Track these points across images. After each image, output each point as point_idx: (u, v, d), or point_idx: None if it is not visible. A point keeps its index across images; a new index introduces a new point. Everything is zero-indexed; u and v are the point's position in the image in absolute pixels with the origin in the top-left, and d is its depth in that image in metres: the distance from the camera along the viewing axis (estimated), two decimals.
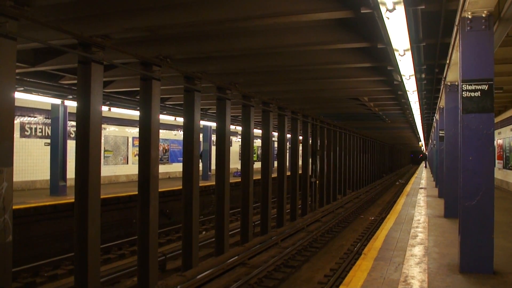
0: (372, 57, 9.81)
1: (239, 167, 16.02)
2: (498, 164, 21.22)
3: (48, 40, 7.57)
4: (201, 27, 8.02)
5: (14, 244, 6.27)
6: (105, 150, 22.10)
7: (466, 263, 6.11)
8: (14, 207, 6.35)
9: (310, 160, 20.14)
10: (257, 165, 15.98)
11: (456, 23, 6.31)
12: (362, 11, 6.27)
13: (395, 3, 5.43)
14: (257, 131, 22.91)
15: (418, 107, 16.13)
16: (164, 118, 18.86)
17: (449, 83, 10.70)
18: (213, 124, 22.27)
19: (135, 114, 16.47)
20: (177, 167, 27.25)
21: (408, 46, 7.54)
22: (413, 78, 10.28)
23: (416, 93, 12.55)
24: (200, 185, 10.98)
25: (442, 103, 13.55)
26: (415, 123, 23.94)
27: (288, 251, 12.08)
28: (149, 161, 8.92)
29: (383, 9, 5.62)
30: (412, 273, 6.25)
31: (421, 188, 21.39)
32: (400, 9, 5.60)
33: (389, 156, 59.61)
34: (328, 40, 8.45)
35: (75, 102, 8.37)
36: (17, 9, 6.11)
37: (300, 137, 19.22)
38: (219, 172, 11.86)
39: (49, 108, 15.97)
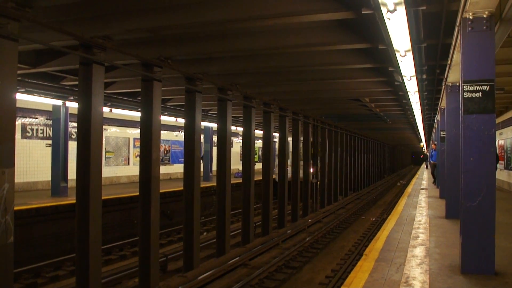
0: (373, 58, 9.81)
1: (240, 168, 15.99)
2: (500, 165, 21.20)
3: (50, 41, 7.58)
4: (202, 28, 8.03)
5: (15, 245, 6.27)
6: (106, 151, 22.12)
7: (467, 264, 6.10)
8: (15, 208, 6.35)
9: (311, 161, 20.13)
10: (258, 165, 15.98)
11: (457, 23, 6.31)
12: (363, 12, 6.27)
13: (396, 4, 5.43)
14: (258, 132, 22.91)
15: (419, 107, 16.12)
16: (165, 119, 18.87)
17: (450, 84, 10.69)
18: (214, 125, 22.30)
19: (136, 115, 16.47)
20: (178, 168, 27.26)
21: (409, 47, 7.54)
22: (414, 79, 10.28)
23: (417, 93, 12.55)
24: (201, 186, 10.98)
25: (443, 103, 13.54)
26: (416, 124, 23.94)
27: (289, 252, 12.07)
28: (150, 162, 8.92)
29: (384, 10, 5.62)
30: (413, 274, 6.24)
31: (422, 189, 21.37)
32: (401, 10, 5.61)
33: (390, 157, 59.57)
34: (329, 41, 8.45)
35: (76, 103, 8.38)
36: (19, 11, 6.11)
37: (301, 138, 19.20)
38: (220, 173, 11.86)
39: (51, 109, 15.99)
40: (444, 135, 13.13)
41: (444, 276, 6.15)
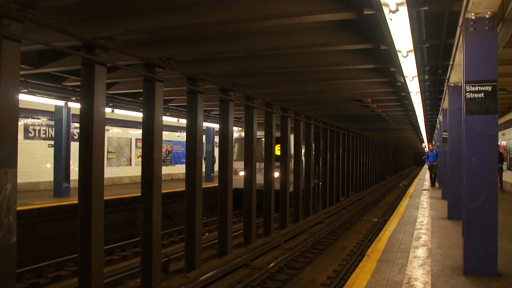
0: (375, 59, 9.80)
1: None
2: (503, 165, 21.14)
3: (52, 42, 7.59)
4: (203, 28, 8.04)
5: (17, 245, 6.28)
6: (108, 152, 22.15)
7: (469, 265, 6.10)
8: (18, 208, 6.36)
9: (313, 161, 20.12)
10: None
11: (460, 24, 6.31)
12: (365, 13, 6.27)
13: (398, 4, 5.43)
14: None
15: (421, 108, 16.11)
16: (167, 119, 18.88)
17: (452, 84, 10.69)
18: (216, 126, 22.31)
19: (138, 115, 16.49)
20: (180, 169, 27.30)
21: (411, 47, 7.54)
22: (416, 79, 10.27)
23: (419, 94, 12.54)
24: (203, 186, 10.98)
25: (445, 104, 13.54)
26: (418, 124, 23.93)
27: (291, 253, 12.07)
28: (152, 163, 8.92)
29: (386, 10, 5.62)
30: (415, 275, 6.24)
31: (424, 189, 21.36)
32: (403, 10, 5.61)
33: (392, 158, 59.53)
34: (331, 41, 8.45)
35: (79, 104, 8.40)
36: (21, 12, 6.13)
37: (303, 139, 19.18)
38: (222, 173, 11.86)
39: (53, 109, 16.02)
40: (446, 136, 13.13)
41: (446, 277, 6.14)
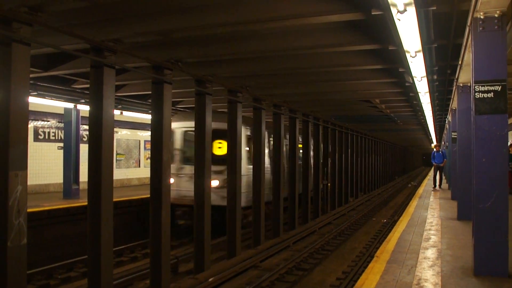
0: (383, 59, 9.78)
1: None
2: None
3: (61, 45, 7.64)
4: (212, 30, 8.05)
5: (28, 246, 6.33)
6: (117, 154, 22.25)
7: (480, 266, 6.06)
8: (28, 210, 6.41)
9: (322, 162, 20.07)
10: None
11: (468, 23, 6.28)
12: (372, 13, 6.26)
13: (406, 5, 5.42)
14: None
15: (430, 108, 16.04)
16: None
17: (461, 84, 10.63)
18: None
19: (147, 117, 16.55)
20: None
21: (419, 47, 7.52)
22: (425, 79, 10.24)
23: (428, 94, 12.49)
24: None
25: (454, 104, 13.47)
26: (427, 124, 23.80)
27: (300, 254, 12.05)
28: (161, 165, 8.95)
29: (394, 10, 5.62)
30: (425, 276, 6.21)
31: (434, 190, 21.26)
32: (411, 10, 5.60)
33: (401, 158, 59.25)
34: (339, 42, 8.44)
35: (88, 106, 8.44)
36: (31, 15, 6.18)
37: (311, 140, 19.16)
38: (231, 175, 11.86)
39: (62, 112, 16.12)
40: (455, 136, 13.05)
41: (456, 278, 6.12)
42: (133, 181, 23.14)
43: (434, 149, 22.61)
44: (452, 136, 14.54)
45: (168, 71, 9.02)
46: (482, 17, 5.86)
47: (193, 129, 10.76)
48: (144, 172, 23.31)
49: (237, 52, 9.31)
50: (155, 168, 9.00)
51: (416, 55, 7.92)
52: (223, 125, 12.32)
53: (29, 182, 6.52)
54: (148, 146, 21.81)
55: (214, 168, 11.49)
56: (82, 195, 15.24)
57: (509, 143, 14.29)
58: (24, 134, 6.25)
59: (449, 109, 16.39)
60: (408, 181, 46.82)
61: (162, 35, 8.09)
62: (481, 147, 6.01)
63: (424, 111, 17.09)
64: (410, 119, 22.93)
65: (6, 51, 6.02)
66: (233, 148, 11.85)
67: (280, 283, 9.98)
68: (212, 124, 10.80)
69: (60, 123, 18.00)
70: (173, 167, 13.66)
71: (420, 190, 22.35)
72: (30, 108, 6.59)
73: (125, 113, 16.29)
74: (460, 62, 8.95)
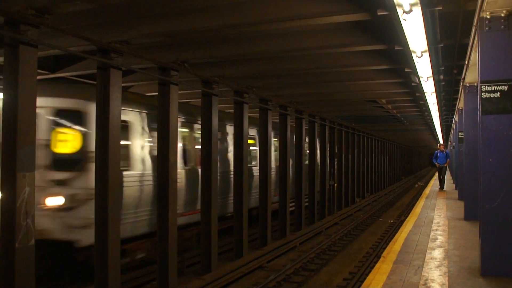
0: (389, 59, 9.77)
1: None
2: None
3: (68, 47, 7.68)
4: (218, 31, 8.07)
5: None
6: None
7: (487, 266, 6.04)
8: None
9: (328, 163, 20.05)
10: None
11: (475, 23, 6.27)
12: (378, 13, 6.26)
13: (411, 5, 5.42)
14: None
15: (437, 108, 16.01)
16: None
17: (468, 84, 10.59)
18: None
19: None
20: None
21: (425, 47, 7.51)
22: (431, 79, 10.22)
23: (434, 94, 12.47)
24: None
25: (461, 104, 13.43)
26: (434, 125, 23.74)
27: (307, 255, 12.05)
28: (167, 165, 8.97)
29: (399, 11, 5.62)
30: (432, 276, 6.20)
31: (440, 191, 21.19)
32: (417, 10, 5.60)
33: (408, 158, 59.08)
34: (345, 42, 8.45)
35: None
36: (38, 17, 6.22)
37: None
38: (237, 175, 11.88)
39: None
40: (462, 136, 13.01)
41: (463, 278, 6.10)
42: None
43: (439, 149, 21.22)
44: (459, 136, 14.50)
45: (174, 72, 9.05)
46: (488, 16, 5.84)
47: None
48: None
49: (243, 53, 9.33)
50: (161, 169, 9.03)
51: (422, 55, 7.91)
52: None
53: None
54: None
55: (54, 175, 8.63)
56: None
57: None
58: (31, 136, 6.29)
59: (456, 109, 16.34)
60: (414, 181, 46.67)
61: (168, 37, 8.12)
62: (487, 147, 5.99)
63: (431, 111, 17.06)
64: (417, 119, 22.88)
65: (13, 53, 6.07)
66: (239, 149, 11.87)
67: (287, 284, 9.98)
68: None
69: None
70: None
71: (427, 190, 22.27)
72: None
73: None
74: (466, 62, 8.93)
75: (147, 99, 11.42)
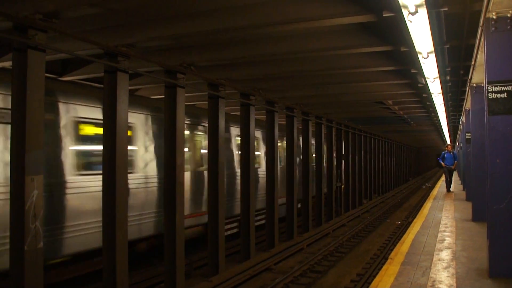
0: (395, 60, 9.77)
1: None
2: None
3: (75, 51, 7.75)
4: (224, 34, 8.11)
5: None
6: None
7: (495, 268, 6.02)
8: None
9: (335, 164, 20.04)
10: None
11: (481, 24, 6.26)
12: (384, 15, 6.27)
13: (417, 6, 5.43)
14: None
15: (444, 109, 15.96)
16: None
17: (474, 85, 10.55)
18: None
19: None
20: None
21: (431, 48, 7.50)
22: (438, 80, 10.20)
23: (441, 95, 12.43)
24: None
25: (468, 105, 13.38)
26: (441, 125, 23.66)
27: (314, 256, 12.04)
28: (174, 168, 9.00)
29: (405, 12, 5.62)
30: (439, 278, 6.18)
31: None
32: (423, 11, 5.60)
33: (415, 160, 58.89)
34: (351, 44, 8.46)
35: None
36: (46, 22, 6.28)
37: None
38: (244, 177, 11.90)
39: None
40: (469, 137, 12.96)
41: (471, 280, 6.08)
42: None
43: (446, 150, 20.47)
44: (466, 137, 14.44)
45: (181, 75, 9.08)
46: (494, 17, 5.83)
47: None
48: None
49: (249, 55, 9.35)
50: (168, 171, 9.06)
51: (428, 56, 7.90)
52: None
53: None
54: None
55: None
56: None
57: None
58: (39, 140, 6.33)
59: (463, 109, 16.29)
60: (422, 182, 46.51)
61: (175, 40, 8.16)
62: (495, 148, 5.97)
63: (438, 112, 17.00)
64: (424, 120, 22.81)
65: (22, 57, 6.13)
66: (246, 151, 11.90)
67: (294, 286, 9.98)
68: None
69: None
70: None
71: (435, 192, 22.19)
72: None
73: None
74: (473, 63, 8.90)
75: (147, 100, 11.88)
